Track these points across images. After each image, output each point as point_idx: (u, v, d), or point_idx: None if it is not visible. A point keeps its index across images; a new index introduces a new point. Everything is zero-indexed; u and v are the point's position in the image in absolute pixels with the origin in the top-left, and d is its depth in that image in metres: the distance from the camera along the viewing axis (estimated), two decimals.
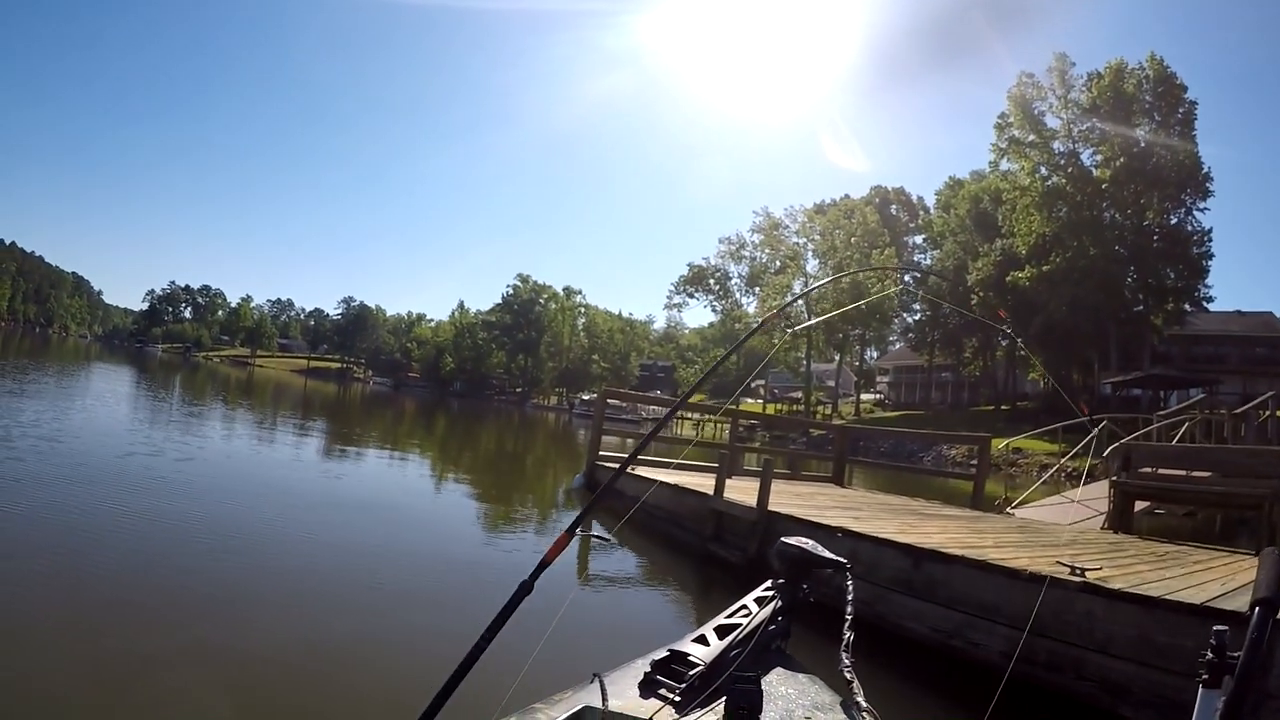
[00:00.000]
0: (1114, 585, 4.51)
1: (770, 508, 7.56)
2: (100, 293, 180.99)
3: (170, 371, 51.34)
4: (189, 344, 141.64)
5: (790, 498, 8.73)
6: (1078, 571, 4.71)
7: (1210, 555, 6.98)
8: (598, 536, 7.36)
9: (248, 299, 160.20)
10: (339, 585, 6.03)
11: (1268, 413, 17.83)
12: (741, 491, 8.80)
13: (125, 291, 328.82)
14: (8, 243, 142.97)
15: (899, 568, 5.63)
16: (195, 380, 42.68)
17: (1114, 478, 10.03)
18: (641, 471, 11.30)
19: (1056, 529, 8.88)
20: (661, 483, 10.27)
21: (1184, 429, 14.88)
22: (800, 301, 68.74)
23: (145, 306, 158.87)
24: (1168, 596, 4.28)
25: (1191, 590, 4.59)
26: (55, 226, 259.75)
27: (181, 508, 7.47)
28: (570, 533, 1.63)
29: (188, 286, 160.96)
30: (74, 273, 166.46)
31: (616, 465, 11.89)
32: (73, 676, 3.69)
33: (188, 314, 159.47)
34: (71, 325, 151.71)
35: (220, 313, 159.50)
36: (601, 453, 12.91)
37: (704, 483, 10.11)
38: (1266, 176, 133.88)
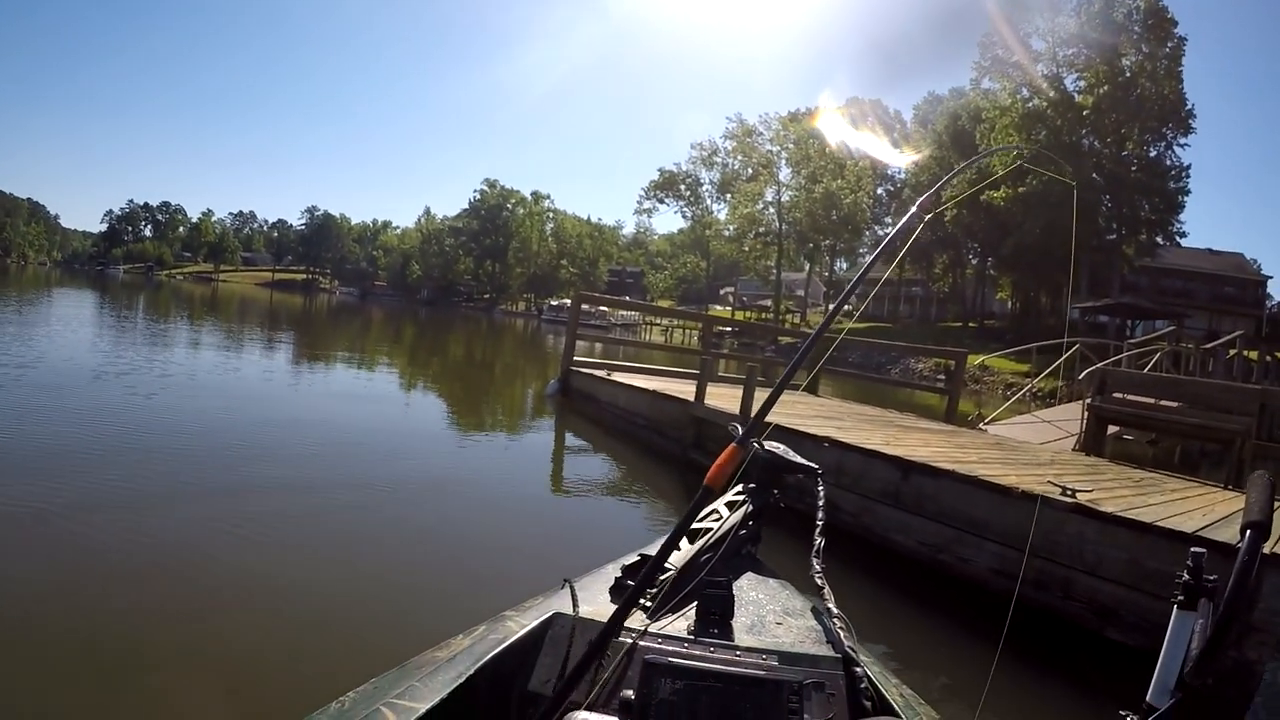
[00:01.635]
0: (1106, 509, 4.52)
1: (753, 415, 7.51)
2: (57, 217, 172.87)
3: (133, 292, 49.85)
4: (151, 263, 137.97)
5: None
6: (1069, 492, 4.71)
7: (1183, 485, 7.03)
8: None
9: (209, 213, 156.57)
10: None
11: (1235, 351, 18.13)
12: (721, 398, 8.76)
13: (83, 214, 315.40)
14: None
15: (887, 480, 5.62)
16: (158, 300, 41.50)
17: (1090, 401, 10.08)
18: (618, 377, 11.25)
19: (1034, 448, 8.96)
20: (639, 388, 10.23)
21: (1155, 359, 15.00)
22: (771, 210, 68.60)
23: (104, 228, 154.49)
24: (1160, 523, 4.29)
25: (1180, 518, 4.61)
26: (6, 153, 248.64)
27: (153, 442, 6.99)
28: (743, 444, 1.55)
29: (146, 204, 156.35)
30: (29, 199, 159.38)
31: (590, 371, 11.91)
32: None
33: (148, 233, 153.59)
34: (30, 253, 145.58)
35: (181, 229, 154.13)
36: (575, 358, 12.81)
37: (682, 389, 10.08)
38: (1250, 122, 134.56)
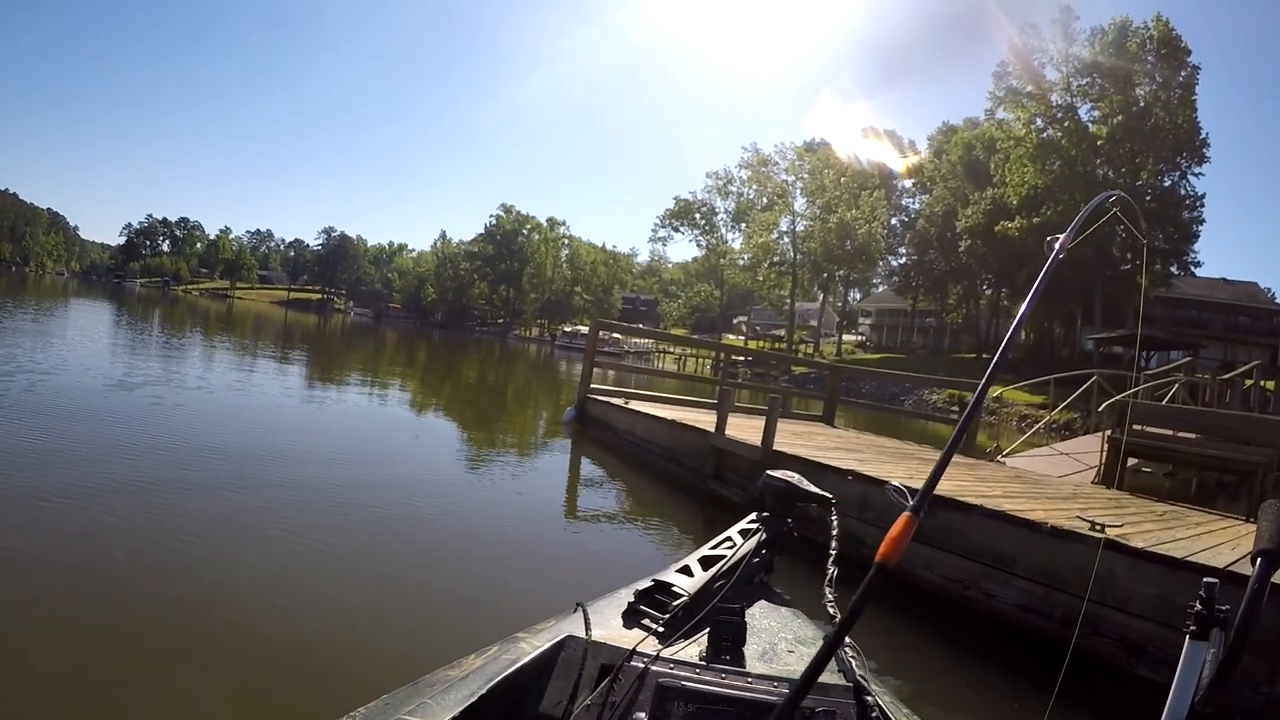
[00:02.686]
0: (1135, 544, 4.49)
1: (775, 447, 7.49)
2: (76, 229, 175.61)
3: (149, 306, 50.49)
4: (167, 278, 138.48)
5: (789, 437, 8.62)
6: (1097, 527, 4.68)
7: (1205, 518, 6.97)
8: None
9: (226, 230, 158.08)
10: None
11: (1251, 381, 18.04)
12: (740, 429, 8.74)
13: (102, 227, 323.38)
14: None
15: None
16: (174, 315, 41.88)
17: (1110, 433, 10.04)
18: (636, 406, 11.23)
19: (1054, 482, 8.92)
20: (657, 417, 10.22)
21: (1173, 390, 14.92)
22: (786, 240, 68.80)
23: (122, 241, 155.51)
24: (1190, 558, 4.26)
25: (1208, 553, 4.57)
26: (28, 163, 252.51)
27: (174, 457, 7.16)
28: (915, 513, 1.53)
29: (165, 219, 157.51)
30: (49, 209, 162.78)
31: (607, 399, 11.91)
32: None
33: (166, 247, 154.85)
34: (48, 263, 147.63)
35: (199, 245, 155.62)
36: (593, 385, 12.77)
37: (699, 419, 10.07)
38: (1263, 150, 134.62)
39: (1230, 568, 4.16)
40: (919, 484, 4.93)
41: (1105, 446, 10.24)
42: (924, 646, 4.83)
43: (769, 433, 7.57)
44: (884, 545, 1.36)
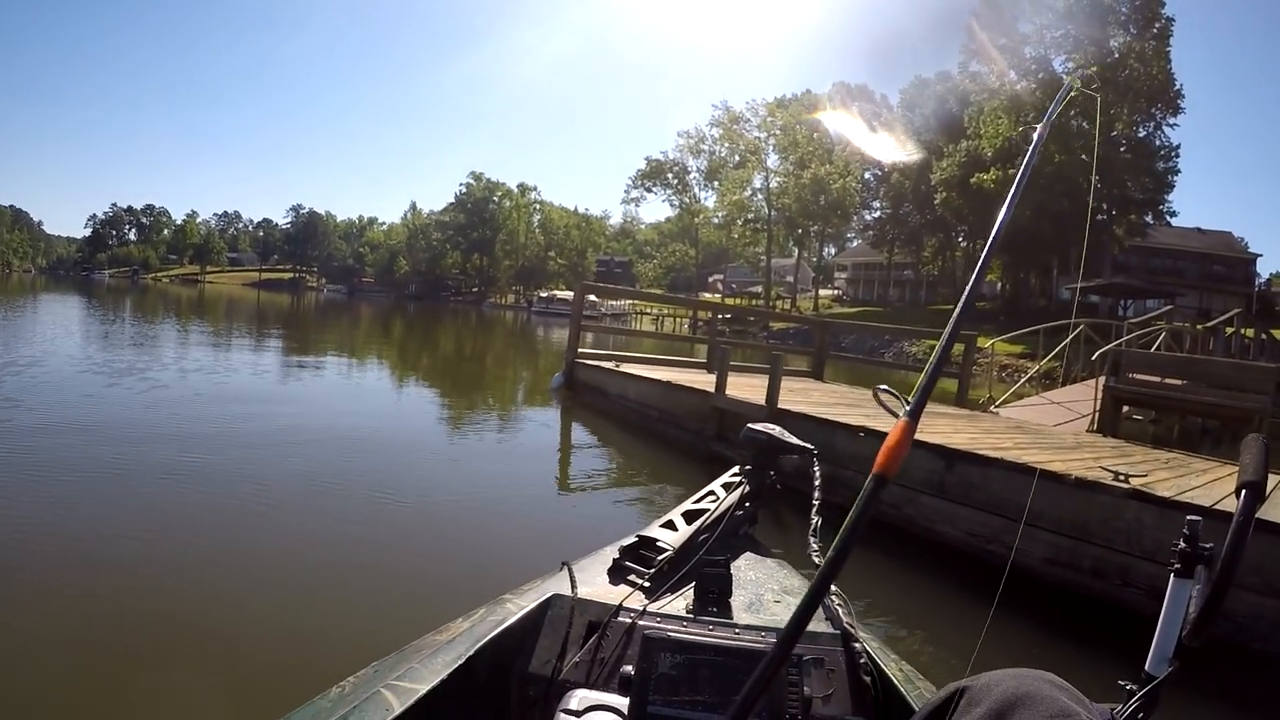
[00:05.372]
0: (1160, 493, 4.45)
1: (781, 405, 7.41)
2: (41, 224, 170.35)
3: (119, 296, 49.73)
4: (136, 266, 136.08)
5: (786, 394, 8.49)
6: (1121, 478, 4.64)
7: (1209, 464, 6.92)
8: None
9: (193, 215, 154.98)
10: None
11: (1232, 330, 18.22)
12: (737, 388, 8.65)
13: (67, 220, 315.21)
14: None
15: (930, 469, 5.48)
16: (145, 302, 41.40)
17: (1108, 382, 10.06)
18: (628, 369, 11.11)
19: (1056, 431, 8.90)
20: (651, 380, 10.10)
21: (1161, 338, 15.00)
22: (760, 197, 68.63)
23: (88, 233, 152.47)
24: (1217, 506, 4.23)
25: (1230, 500, 4.54)
26: None
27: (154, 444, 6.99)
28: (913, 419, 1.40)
29: (130, 208, 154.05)
30: (11, 206, 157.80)
31: (596, 363, 11.78)
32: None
33: (133, 236, 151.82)
34: (14, 260, 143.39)
35: (166, 232, 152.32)
36: (580, 349, 12.57)
37: (694, 379, 9.98)
38: (1237, 103, 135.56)
39: (1216, 506, 4.23)
40: (937, 439, 4.83)
41: (1100, 395, 10.25)
42: (945, 602, 4.78)
43: (773, 390, 7.50)
44: (881, 456, 1.25)
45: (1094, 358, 11.24)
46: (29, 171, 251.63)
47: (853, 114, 65.11)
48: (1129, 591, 4.35)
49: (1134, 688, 1.18)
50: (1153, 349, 13.94)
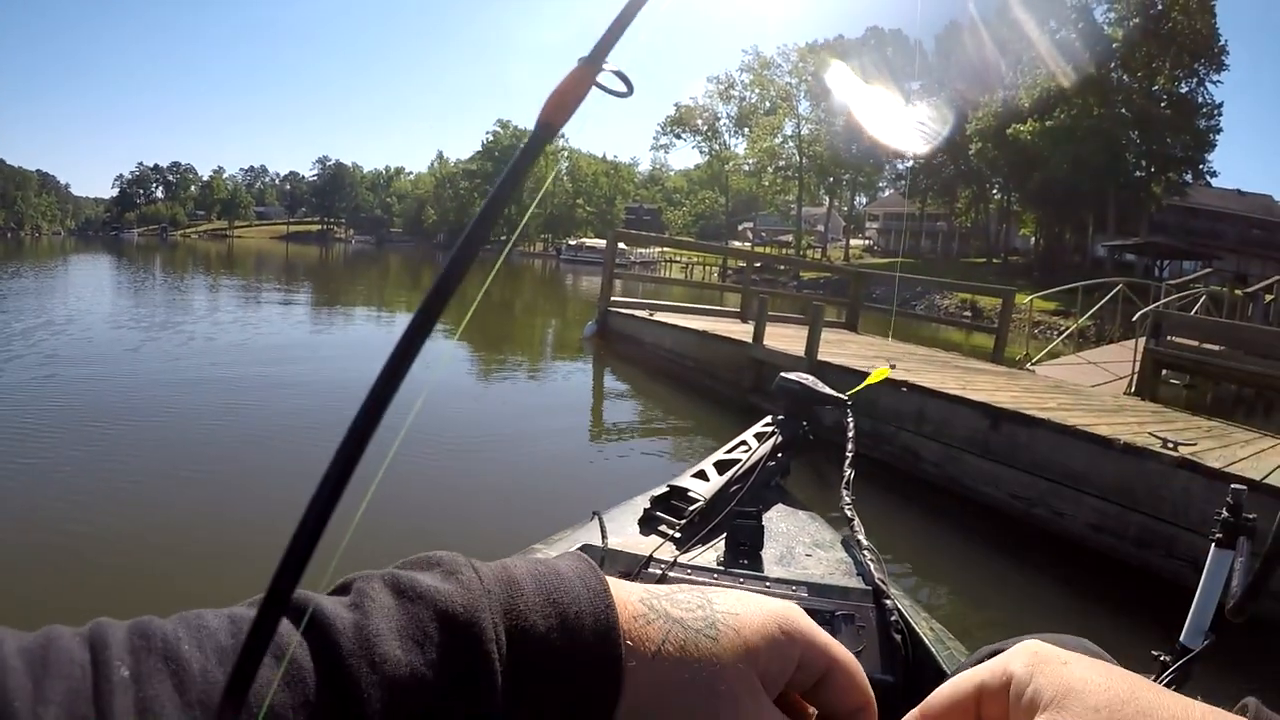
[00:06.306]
0: (1210, 463, 4.40)
1: (821, 358, 7.37)
2: (68, 186, 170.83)
3: (149, 254, 50.22)
4: (164, 224, 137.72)
5: (823, 345, 8.42)
6: (1170, 445, 4.59)
7: (1250, 435, 6.82)
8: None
9: (220, 170, 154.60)
10: None
11: (1273, 295, 17.89)
12: (776, 338, 8.60)
13: (94, 181, 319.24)
14: None
15: (974, 428, 5.45)
16: (175, 259, 42.06)
17: (1148, 344, 9.93)
18: (662, 317, 11.05)
19: (1095, 393, 8.80)
20: (687, 329, 10.04)
21: (1201, 302, 14.79)
22: (791, 144, 67.79)
23: (116, 193, 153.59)
24: (1268, 480, 4.18)
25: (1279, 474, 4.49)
26: (11, 126, 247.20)
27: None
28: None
29: (156, 166, 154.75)
30: (39, 170, 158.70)
31: (630, 312, 11.73)
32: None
33: (160, 194, 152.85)
34: (44, 224, 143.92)
35: (193, 188, 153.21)
36: (613, 297, 12.52)
37: (730, 329, 9.93)
38: None
39: (1266, 480, 4.17)
40: (982, 397, 4.76)
41: (1139, 357, 10.14)
42: (983, 564, 4.77)
43: (813, 342, 7.46)
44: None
45: (1134, 319, 11.05)
46: (54, 135, 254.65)
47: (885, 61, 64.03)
48: (1173, 563, 4.31)
49: (1168, 659, 1.16)
50: (1191, 312, 13.75)
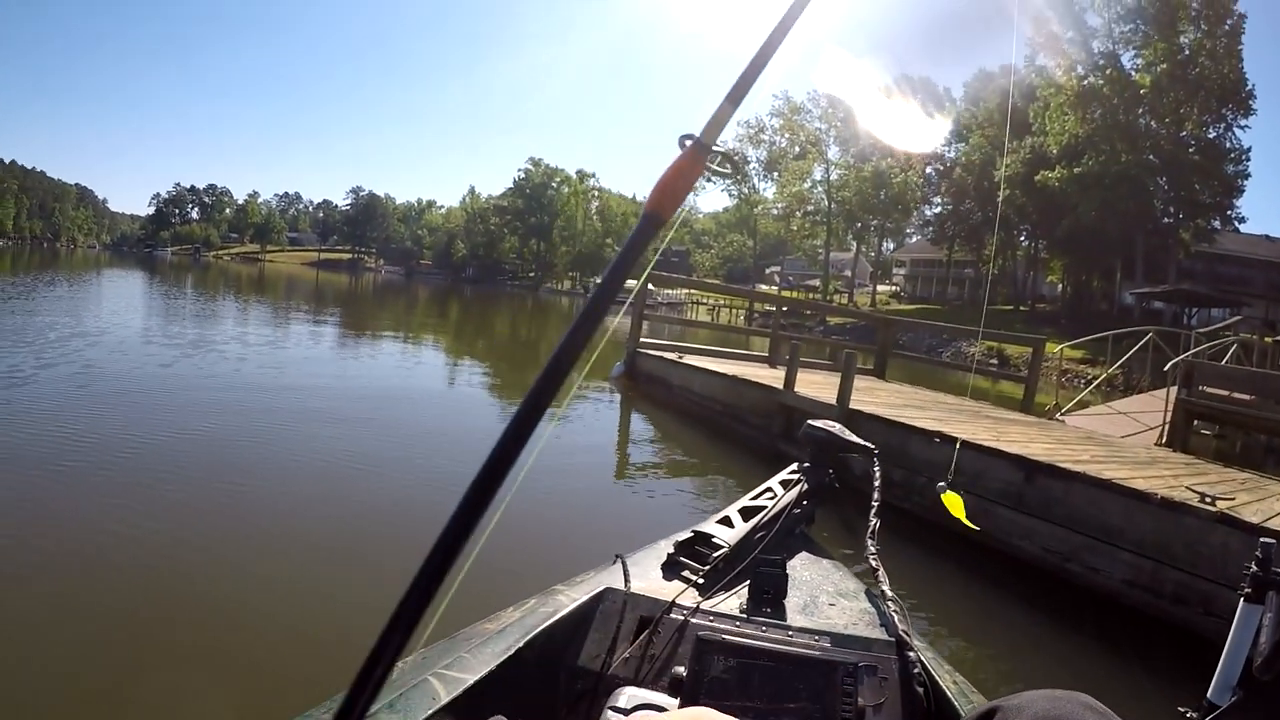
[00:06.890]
0: (1248, 518, 4.35)
1: (852, 406, 7.35)
2: (105, 201, 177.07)
3: (181, 273, 51.44)
4: (198, 245, 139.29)
5: (853, 393, 8.42)
6: (1208, 500, 4.55)
7: None
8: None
9: (254, 195, 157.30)
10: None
11: None
12: (807, 385, 8.60)
13: (130, 198, 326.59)
14: (7, 161, 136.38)
15: (1008, 480, 5.43)
16: (207, 279, 42.98)
17: (1180, 394, 9.84)
18: (691, 360, 11.06)
19: (1126, 444, 8.72)
20: (716, 373, 10.05)
21: (1231, 351, 14.65)
22: (820, 189, 67.99)
23: (151, 211, 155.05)
24: None
25: None
26: (53, 140, 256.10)
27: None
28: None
29: (193, 187, 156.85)
30: (77, 184, 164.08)
31: (659, 354, 11.75)
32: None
33: (195, 215, 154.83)
34: (79, 237, 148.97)
35: (227, 211, 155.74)
36: (641, 339, 12.48)
37: (759, 374, 9.93)
38: None
39: None
40: (1016, 449, 4.77)
41: (1171, 408, 10.04)
42: (1012, 619, 4.73)
43: (845, 390, 7.44)
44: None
45: (1165, 368, 10.96)
46: (94, 150, 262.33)
47: (916, 101, 64.13)
48: (1211, 621, 4.24)
49: (1194, 716, 1.16)
50: (1223, 361, 13.63)
